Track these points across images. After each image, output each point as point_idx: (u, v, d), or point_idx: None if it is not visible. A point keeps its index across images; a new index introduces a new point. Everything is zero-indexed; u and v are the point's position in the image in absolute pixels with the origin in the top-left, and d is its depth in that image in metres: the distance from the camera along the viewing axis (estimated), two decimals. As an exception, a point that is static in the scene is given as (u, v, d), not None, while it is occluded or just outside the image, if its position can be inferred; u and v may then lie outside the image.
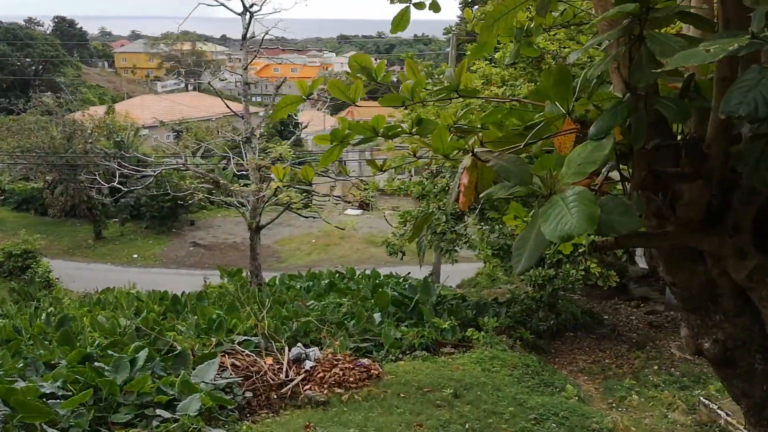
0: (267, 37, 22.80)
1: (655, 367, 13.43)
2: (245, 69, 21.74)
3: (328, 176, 39.91)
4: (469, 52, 4.68)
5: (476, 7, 38.39)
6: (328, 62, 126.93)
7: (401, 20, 4.31)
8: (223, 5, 20.65)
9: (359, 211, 39.53)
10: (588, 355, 14.76)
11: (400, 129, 3.71)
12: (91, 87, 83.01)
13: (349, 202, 33.45)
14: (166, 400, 8.51)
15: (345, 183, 43.05)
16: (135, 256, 33.37)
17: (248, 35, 21.42)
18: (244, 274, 23.34)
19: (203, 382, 8.98)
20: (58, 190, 32.99)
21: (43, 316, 13.30)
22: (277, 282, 21.92)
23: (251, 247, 22.39)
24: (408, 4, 4.17)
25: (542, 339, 15.05)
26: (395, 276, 22.64)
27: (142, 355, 9.20)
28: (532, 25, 4.07)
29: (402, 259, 17.55)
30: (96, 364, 8.75)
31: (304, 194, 24.57)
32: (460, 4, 38.91)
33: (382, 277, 22.36)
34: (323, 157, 3.90)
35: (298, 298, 17.49)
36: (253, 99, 56.16)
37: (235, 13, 21.01)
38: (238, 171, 22.69)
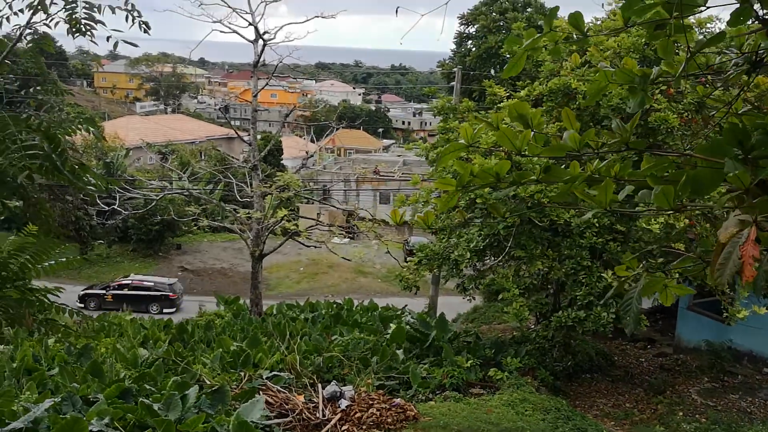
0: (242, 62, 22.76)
1: (681, 414, 13.38)
2: (255, 96, 21.60)
3: (316, 201, 39.73)
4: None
5: (470, 42, 38.97)
6: (308, 89, 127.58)
7: (515, 66, 4.23)
8: (236, 32, 20.57)
9: (346, 240, 39.36)
10: (607, 398, 14.66)
11: (531, 177, 3.60)
12: (70, 105, 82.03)
13: (349, 231, 33.19)
14: (221, 441, 8.19)
15: (332, 210, 42.95)
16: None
17: (259, 62, 21.30)
18: (241, 301, 22.96)
19: (251, 420, 8.66)
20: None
21: (65, 345, 12.80)
22: (275, 311, 21.57)
23: (253, 275, 22.03)
24: (528, 52, 4.09)
25: (559, 380, 14.93)
26: (394, 308, 22.47)
27: (192, 392, 8.85)
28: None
29: (415, 293, 17.34)
30: (143, 400, 8.38)
31: (295, 223, 24.30)
32: (454, 39, 39.42)
33: (380, 309, 22.17)
34: (443, 201, 3.78)
35: (305, 329, 17.20)
36: (234, 122, 55.69)
37: (248, 40, 20.92)
38: (241, 198, 22.37)
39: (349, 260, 22.20)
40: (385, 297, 29.04)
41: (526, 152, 3.55)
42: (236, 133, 24.51)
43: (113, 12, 4.59)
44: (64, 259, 6.52)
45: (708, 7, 3.19)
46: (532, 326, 18.01)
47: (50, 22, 4.52)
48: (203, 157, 51.39)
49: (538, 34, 3.43)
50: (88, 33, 4.54)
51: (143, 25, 4.84)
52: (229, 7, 19.98)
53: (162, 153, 45.38)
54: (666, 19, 3.34)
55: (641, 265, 4.28)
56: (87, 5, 4.42)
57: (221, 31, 20.24)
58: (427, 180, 16.47)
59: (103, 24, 4.54)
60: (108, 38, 4.90)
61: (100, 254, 35.38)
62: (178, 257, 36.75)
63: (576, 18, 3.59)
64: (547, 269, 13.47)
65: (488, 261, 15.22)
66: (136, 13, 4.72)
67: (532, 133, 3.53)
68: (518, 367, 13.82)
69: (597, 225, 13.04)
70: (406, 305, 23.07)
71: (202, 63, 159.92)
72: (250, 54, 21.17)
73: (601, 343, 19.43)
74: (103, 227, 34.34)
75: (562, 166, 3.60)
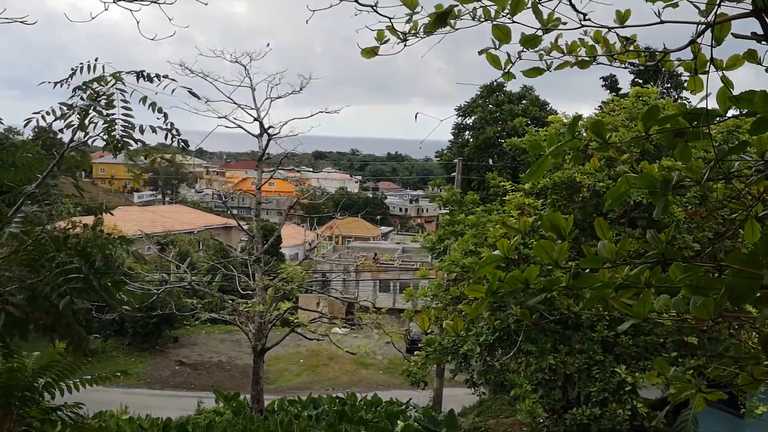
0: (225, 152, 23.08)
1: None
2: (259, 189, 21.78)
3: (314, 290, 39.41)
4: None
5: (468, 133, 39.79)
6: (306, 177, 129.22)
7: (538, 170, 4.23)
8: (241, 127, 20.94)
9: (347, 329, 38.80)
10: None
11: (561, 284, 3.55)
12: (67, 196, 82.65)
13: (351, 322, 32.79)
14: None
15: (331, 300, 42.57)
16: (118, 373, 31.91)
17: (263, 156, 21.61)
18: (241, 397, 22.38)
19: None
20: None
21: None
22: (277, 408, 21.01)
23: (254, 370, 21.55)
24: (553, 161, 4.10)
25: (575, 480, 14.37)
26: (398, 402, 21.92)
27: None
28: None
29: (423, 388, 16.95)
30: None
31: (296, 317, 23.99)
32: (452, 130, 40.28)
33: (384, 404, 21.63)
34: (473, 308, 3.71)
35: (309, 427, 16.70)
36: (233, 210, 55.92)
37: (252, 135, 21.28)
38: (242, 290, 22.17)
39: (353, 354, 21.83)
40: (387, 390, 28.39)
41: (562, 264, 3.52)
42: (237, 223, 24.57)
43: (154, 132, 4.64)
44: (89, 377, 6.35)
45: (727, 118, 3.22)
46: (541, 420, 17.53)
47: (89, 140, 4.57)
48: (201, 247, 51.42)
49: (560, 141, 3.44)
50: (126, 150, 4.59)
51: (182, 143, 4.89)
52: (236, 103, 20.42)
53: (160, 244, 45.35)
54: (686, 128, 3.38)
55: (673, 370, 4.17)
56: (126, 124, 4.47)
57: (226, 126, 20.59)
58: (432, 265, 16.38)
59: (143, 142, 4.60)
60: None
61: (95, 348, 34.73)
62: (175, 350, 36.10)
63: (598, 126, 3.62)
64: (560, 363, 13.21)
65: (498, 354, 14.96)
66: (175, 131, 4.78)
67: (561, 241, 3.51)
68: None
69: (608, 318, 12.90)
70: (410, 399, 22.53)
71: (200, 152, 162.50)
72: (248, 143, 21.47)
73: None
74: (99, 321, 33.86)
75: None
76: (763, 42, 2.71)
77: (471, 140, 37.82)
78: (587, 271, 3.40)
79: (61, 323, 4.20)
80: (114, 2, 3.29)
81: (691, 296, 3.21)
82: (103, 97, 4.40)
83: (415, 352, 17.41)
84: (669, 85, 36.10)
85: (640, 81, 31.46)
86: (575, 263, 4.31)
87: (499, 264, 3.84)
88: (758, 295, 3.13)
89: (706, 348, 12.33)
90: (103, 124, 4.47)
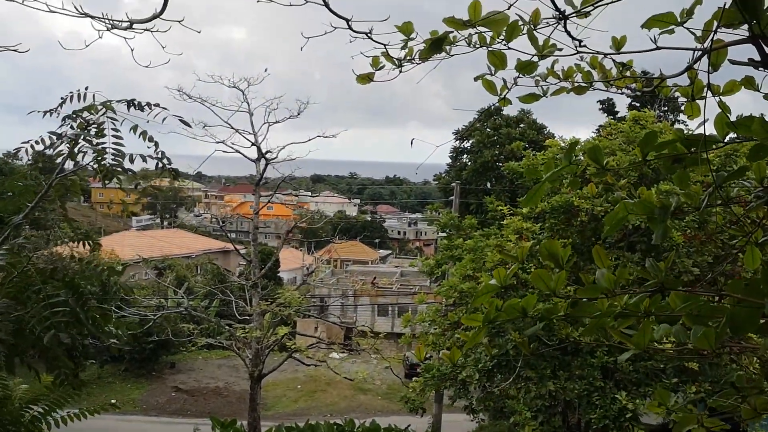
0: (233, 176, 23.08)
1: None
2: (256, 214, 21.73)
3: (312, 316, 39.21)
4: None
5: (466, 156, 39.90)
6: (304, 201, 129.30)
7: (534, 196, 4.19)
8: (239, 152, 20.95)
9: (344, 354, 38.52)
10: None
11: (559, 312, 3.49)
12: (65, 221, 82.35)
13: (349, 348, 32.53)
14: None
15: (329, 325, 42.36)
16: (113, 401, 31.58)
17: (261, 181, 21.58)
18: (239, 424, 22.09)
19: None
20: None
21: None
22: (275, 435, 20.75)
23: (251, 397, 21.32)
24: (552, 196, 4.07)
25: None
26: (397, 428, 21.68)
27: None
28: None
29: (422, 415, 16.75)
30: None
31: (294, 342, 23.80)
32: (450, 153, 40.37)
33: (382, 430, 21.38)
34: (471, 337, 3.64)
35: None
36: (231, 234, 55.87)
37: (250, 159, 21.29)
38: (240, 315, 22.01)
39: (351, 380, 21.61)
40: (386, 416, 28.09)
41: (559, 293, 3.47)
42: (234, 248, 24.52)
43: (144, 161, 4.61)
44: (78, 410, 6.24)
45: (725, 143, 3.18)
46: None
47: (78, 169, 4.53)
48: (199, 271, 51.23)
49: (557, 167, 3.41)
50: (116, 179, 4.55)
51: (172, 172, 4.86)
52: (233, 128, 20.46)
53: (158, 268, 45.20)
54: (684, 154, 3.34)
55: (674, 399, 4.10)
56: (116, 152, 4.44)
57: (224, 151, 20.61)
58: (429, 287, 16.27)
59: (133, 172, 4.57)
60: (136, 186, 4.90)
61: (91, 374, 34.43)
62: (172, 376, 35.79)
63: (595, 152, 3.59)
64: (560, 390, 13.07)
65: (497, 380, 14.81)
66: (165, 160, 4.75)
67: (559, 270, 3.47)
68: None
69: (607, 344, 12.79)
70: (409, 425, 22.23)
71: (198, 176, 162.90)
72: (247, 167, 21.44)
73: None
74: (95, 347, 33.61)
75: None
76: (760, 68, 2.69)
77: (469, 164, 37.93)
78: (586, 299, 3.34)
79: (48, 356, 4.12)
80: (108, 30, 3.26)
81: (692, 325, 3.15)
82: (93, 125, 4.38)
83: (414, 378, 17.25)
84: (666, 108, 36.27)
85: (637, 104, 31.60)
86: (574, 288, 4.25)
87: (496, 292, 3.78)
88: (761, 322, 3.07)
89: (707, 374, 12.22)
90: (92, 153, 4.44)
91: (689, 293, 3.75)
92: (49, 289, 4.12)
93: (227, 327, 21.42)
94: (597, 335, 3.34)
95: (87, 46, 3.57)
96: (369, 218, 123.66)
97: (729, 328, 2.84)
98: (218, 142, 20.49)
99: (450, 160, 40.62)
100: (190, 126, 5.00)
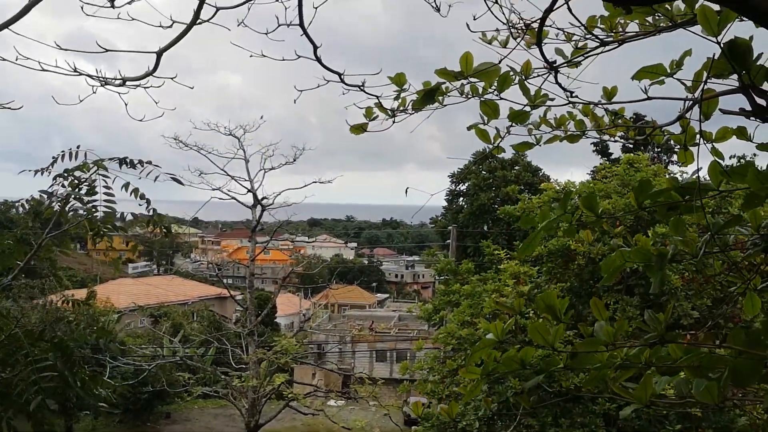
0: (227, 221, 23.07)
1: None
2: (252, 260, 21.67)
3: (309, 363, 38.76)
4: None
5: (462, 199, 40.05)
6: (301, 245, 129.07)
7: (530, 245, 4.17)
8: (235, 199, 20.99)
9: (343, 402, 37.96)
10: None
11: (559, 365, 3.44)
12: (62, 269, 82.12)
13: (347, 395, 32.11)
14: None
15: (327, 372, 41.82)
16: None
17: (257, 227, 21.59)
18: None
19: None
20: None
21: None
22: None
23: (249, 449, 20.94)
24: (549, 240, 4.05)
25: None
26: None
27: None
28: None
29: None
30: None
31: (291, 391, 23.51)
32: (446, 196, 40.51)
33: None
34: (468, 390, 3.59)
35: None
36: (227, 280, 55.60)
37: (246, 206, 21.33)
38: (236, 364, 21.75)
39: (349, 429, 21.22)
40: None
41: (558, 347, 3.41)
42: (230, 295, 24.35)
43: (135, 218, 4.62)
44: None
45: (720, 192, 3.17)
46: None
47: (69, 228, 4.53)
48: (195, 318, 50.79)
49: (553, 216, 3.39)
50: (107, 236, 4.54)
51: (164, 230, 4.87)
52: (229, 176, 20.55)
53: (154, 316, 44.86)
54: (679, 201, 3.33)
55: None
56: (107, 210, 4.45)
57: (220, 198, 20.65)
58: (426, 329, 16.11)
59: (125, 231, 4.57)
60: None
61: (85, 426, 33.82)
62: (168, 427, 35.16)
63: (590, 200, 3.57)
64: (561, 438, 12.83)
65: (498, 428, 14.54)
66: (156, 218, 4.76)
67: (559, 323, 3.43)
68: None
69: (609, 390, 12.60)
70: (408, 474, 21.85)
71: (195, 222, 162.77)
72: (244, 212, 21.50)
73: None
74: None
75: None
76: (751, 118, 2.69)
77: (465, 206, 38.07)
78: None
79: (35, 420, 4.02)
80: (102, 86, 3.27)
81: (694, 378, 3.09)
82: (85, 183, 4.40)
83: (413, 427, 16.93)
84: (659, 150, 36.57)
85: (631, 145, 31.83)
86: (574, 333, 4.18)
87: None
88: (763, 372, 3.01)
89: (711, 420, 12.02)
90: (82, 211, 4.46)
91: (689, 345, 3.70)
92: (37, 352, 4.05)
93: (223, 376, 21.16)
94: (598, 386, 3.29)
95: (81, 101, 3.59)
96: (366, 262, 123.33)
97: (732, 380, 2.78)
98: (214, 189, 20.59)
99: (446, 203, 40.77)
100: (182, 184, 5.02)
